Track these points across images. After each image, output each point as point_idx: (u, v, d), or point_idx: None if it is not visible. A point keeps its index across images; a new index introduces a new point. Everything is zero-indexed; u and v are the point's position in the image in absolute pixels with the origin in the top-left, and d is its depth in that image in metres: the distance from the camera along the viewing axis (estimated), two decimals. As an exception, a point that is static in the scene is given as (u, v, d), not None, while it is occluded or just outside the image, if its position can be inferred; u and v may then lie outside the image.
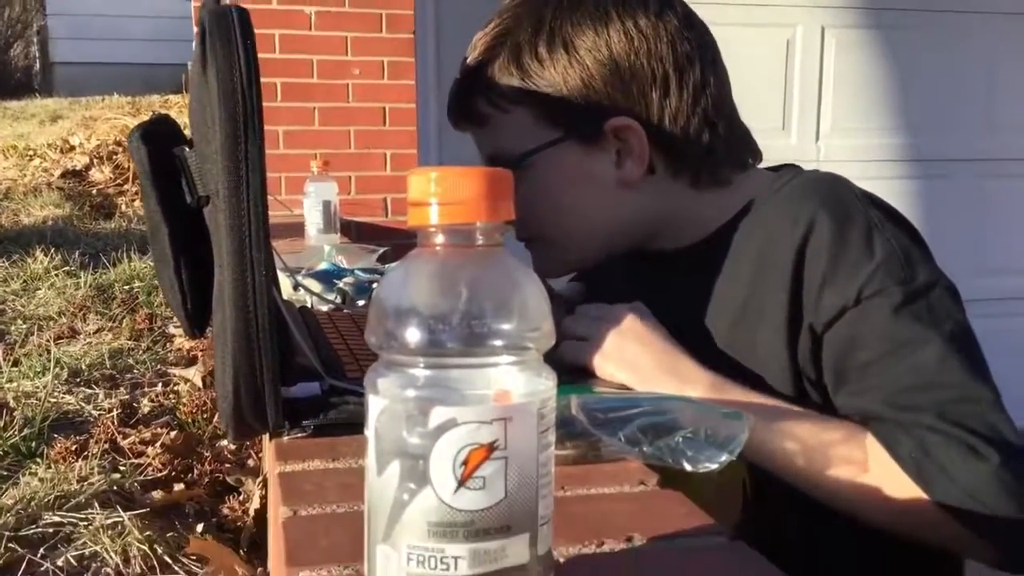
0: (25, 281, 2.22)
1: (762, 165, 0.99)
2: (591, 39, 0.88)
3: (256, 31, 0.66)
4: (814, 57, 3.67)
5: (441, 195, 0.44)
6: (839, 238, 0.82)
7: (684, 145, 0.91)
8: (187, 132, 0.78)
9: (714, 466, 0.60)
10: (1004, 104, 3.86)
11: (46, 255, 2.43)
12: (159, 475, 1.12)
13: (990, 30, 3.81)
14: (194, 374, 1.48)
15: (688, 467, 0.60)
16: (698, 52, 0.91)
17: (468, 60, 0.94)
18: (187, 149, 0.73)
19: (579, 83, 0.88)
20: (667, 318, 0.89)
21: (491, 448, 0.41)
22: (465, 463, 0.40)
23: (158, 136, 0.76)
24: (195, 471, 1.15)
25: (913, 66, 3.75)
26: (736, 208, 0.92)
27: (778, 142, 3.47)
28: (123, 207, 3.73)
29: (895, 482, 0.76)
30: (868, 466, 0.78)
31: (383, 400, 0.42)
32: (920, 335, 0.78)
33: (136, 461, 1.16)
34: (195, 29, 3.20)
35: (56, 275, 2.27)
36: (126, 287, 2.17)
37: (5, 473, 1.12)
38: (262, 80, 0.66)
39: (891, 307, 0.79)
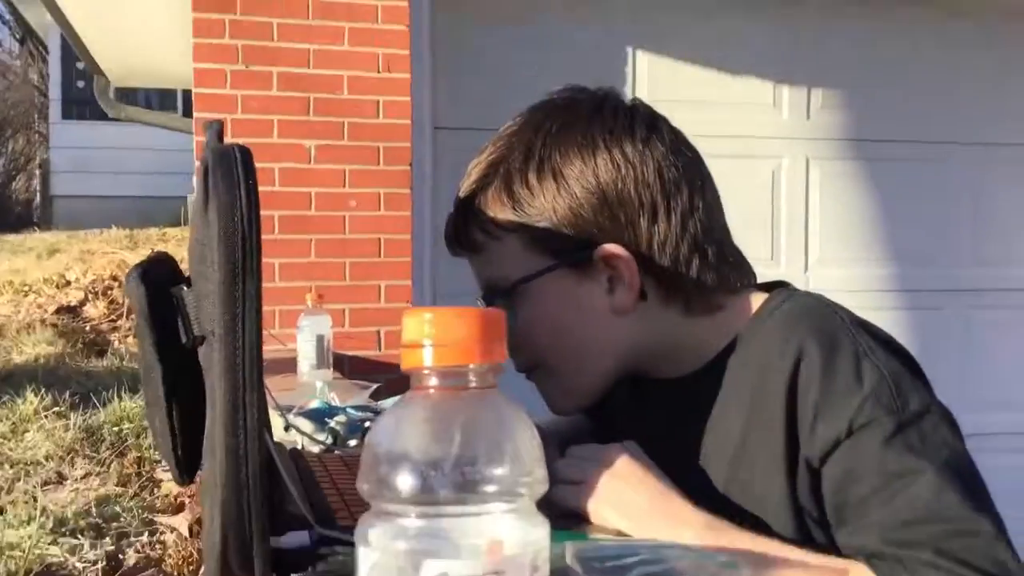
0: (14, 423, 2.20)
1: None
2: (579, 168, 0.90)
3: (256, 164, 0.67)
4: (799, 188, 3.76)
5: (435, 337, 0.44)
6: (828, 368, 0.81)
7: (674, 272, 0.91)
8: (185, 268, 0.79)
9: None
10: (990, 234, 3.94)
11: (36, 395, 2.41)
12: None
13: (972, 160, 3.92)
14: (181, 522, 1.45)
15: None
16: (686, 177, 0.92)
17: (463, 188, 0.96)
18: (184, 288, 0.73)
19: (568, 212, 0.90)
20: (666, 453, 0.88)
21: (485, 603, 0.40)
22: (458, 619, 0.39)
23: (156, 276, 0.76)
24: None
25: (898, 196, 3.84)
26: (730, 335, 0.92)
27: (768, 271, 3.46)
28: (116, 343, 3.74)
29: None
30: None
31: (374, 553, 0.41)
32: (913, 466, 0.77)
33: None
34: (196, 163, 3.28)
35: (46, 416, 2.25)
36: (116, 428, 2.15)
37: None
38: (261, 213, 0.66)
39: (882, 438, 0.78)
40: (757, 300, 0.94)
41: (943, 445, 0.79)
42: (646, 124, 0.93)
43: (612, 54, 3.54)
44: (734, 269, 0.95)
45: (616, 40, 3.56)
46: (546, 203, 0.90)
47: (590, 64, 3.39)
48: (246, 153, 0.68)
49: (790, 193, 3.75)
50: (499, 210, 0.92)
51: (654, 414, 0.97)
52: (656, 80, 3.59)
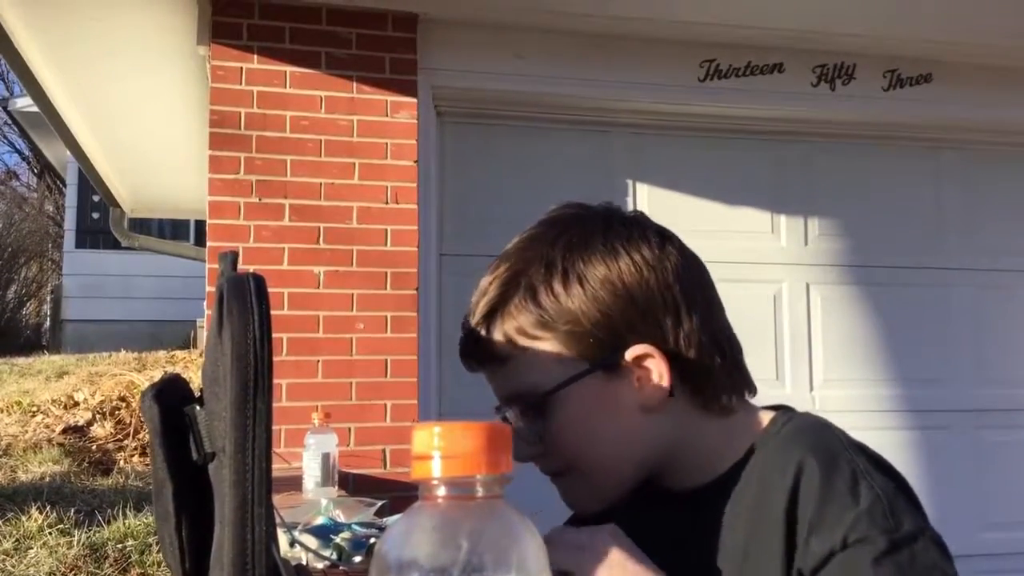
0: (18, 540, 2.17)
1: (757, 402, 1.01)
2: (603, 273, 0.92)
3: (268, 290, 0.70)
4: (801, 311, 3.81)
5: (444, 449, 0.46)
6: (826, 485, 0.82)
7: (698, 368, 0.93)
8: (195, 389, 0.81)
9: None
10: (992, 355, 3.95)
11: (41, 513, 2.39)
12: None
13: (971, 284, 3.98)
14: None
15: None
16: (700, 279, 0.97)
17: (481, 303, 0.96)
18: (197, 408, 0.75)
19: (598, 315, 0.91)
20: (674, 567, 0.88)
21: None
22: None
23: (170, 396, 0.78)
24: None
25: (899, 319, 3.88)
26: (740, 449, 0.93)
27: (773, 392, 3.52)
28: (122, 463, 3.71)
29: None
30: None
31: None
32: None
33: None
34: (207, 290, 3.35)
35: (50, 533, 2.22)
36: (119, 545, 2.12)
37: None
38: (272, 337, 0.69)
39: (873, 556, 0.78)
40: (765, 417, 0.96)
41: (933, 568, 0.79)
42: (657, 231, 0.97)
43: (612, 185, 3.65)
44: (742, 372, 0.98)
45: (616, 172, 3.68)
46: (574, 308, 0.91)
47: (590, 194, 3.49)
48: (260, 281, 0.71)
49: (792, 316, 3.79)
50: (525, 320, 0.93)
51: (662, 527, 0.97)
52: (655, 209, 3.69)
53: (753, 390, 1.00)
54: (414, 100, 3.31)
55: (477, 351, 0.97)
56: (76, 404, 4.74)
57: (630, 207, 3.69)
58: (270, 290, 0.71)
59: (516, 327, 0.94)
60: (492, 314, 0.95)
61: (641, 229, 0.96)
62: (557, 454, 0.94)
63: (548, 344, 0.93)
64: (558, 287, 0.92)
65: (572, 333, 0.92)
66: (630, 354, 0.92)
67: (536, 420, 0.93)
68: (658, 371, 0.92)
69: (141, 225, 7.47)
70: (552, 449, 0.94)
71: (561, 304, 0.92)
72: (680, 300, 0.93)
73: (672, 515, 0.97)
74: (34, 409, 4.74)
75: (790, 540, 0.83)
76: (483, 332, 0.96)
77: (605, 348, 0.92)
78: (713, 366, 0.94)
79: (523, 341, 0.94)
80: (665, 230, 0.99)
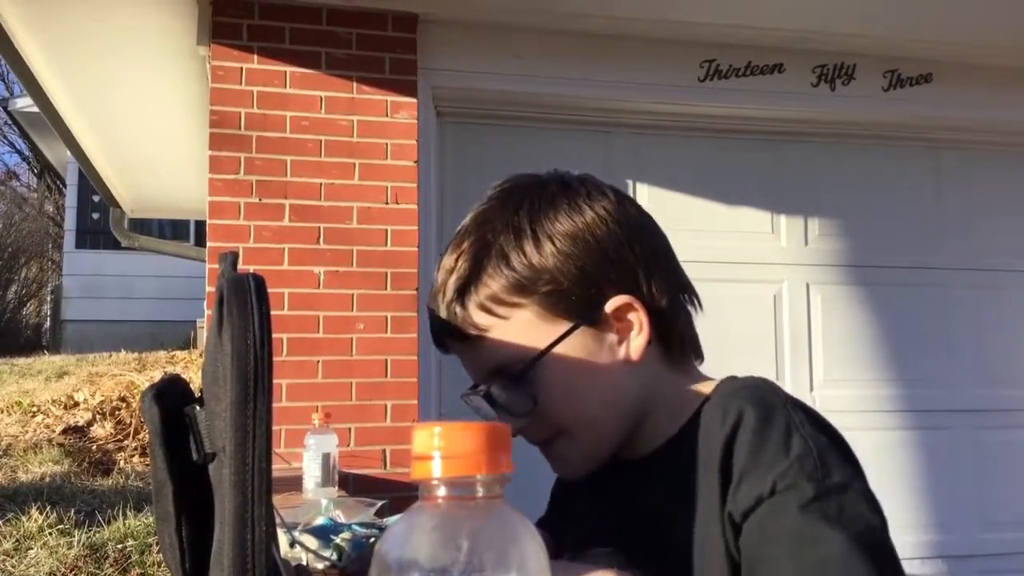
0: (18, 540, 2.18)
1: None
2: (571, 227, 0.92)
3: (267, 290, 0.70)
4: (801, 311, 3.81)
5: (444, 449, 0.46)
6: (759, 434, 0.83)
7: (669, 318, 0.94)
8: (195, 389, 0.81)
9: None
10: (992, 356, 3.96)
11: (41, 513, 2.39)
12: None
13: (971, 284, 3.98)
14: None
15: None
16: (658, 234, 0.99)
17: (451, 280, 0.95)
18: (197, 408, 0.75)
19: (575, 271, 0.91)
20: (633, 533, 0.90)
21: None
22: None
23: (170, 396, 0.78)
24: None
25: (899, 319, 3.88)
26: (690, 412, 0.93)
27: (774, 392, 3.51)
28: (122, 463, 3.71)
29: None
30: None
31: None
32: (825, 533, 0.77)
33: None
34: (207, 290, 3.34)
35: (50, 534, 2.22)
36: (119, 546, 2.12)
37: None
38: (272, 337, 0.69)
39: (800, 503, 0.79)
40: (712, 383, 0.96)
41: (859, 519, 0.79)
42: (610, 188, 0.99)
43: (613, 184, 3.65)
44: (695, 331, 0.99)
45: (616, 172, 3.68)
46: (550, 267, 0.91)
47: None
48: (260, 282, 0.71)
49: (792, 316, 3.79)
50: (500, 287, 0.92)
51: (613, 494, 0.98)
52: (655, 209, 3.67)
53: (700, 355, 1.01)
54: (414, 100, 3.31)
55: (453, 329, 0.95)
56: (76, 404, 4.74)
57: (630, 207, 3.71)
58: (270, 290, 0.71)
59: (491, 295, 0.92)
60: (465, 288, 0.94)
61: (596, 185, 0.98)
62: (546, 419, 0.93)
63: (527, 310, 0.92)
64: (530, 249, 0.91)
65: (551, 293, 0.91)
66: (610, 306, 0.92)
67: (525, 389, 0.92)
68: (639, 321, 0.92)
69: (141, 225, 7.47)
70: (542, 415, 0.93)
71: (535, 265, 0.91)
72: (647, 250, 0.94)
73: (624, 482, 0.97)
74: (34, 409, 4.74)
75: (724, 487, 0.83)
76: (457, 309, 0.94)
77: (585, 303, 0.92)
78: (679, 317, 0.95)
79: (500, 310, 0.92)
80: (615, 186, 1.00)
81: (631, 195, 1.01)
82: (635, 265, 0.93)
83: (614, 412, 0.96)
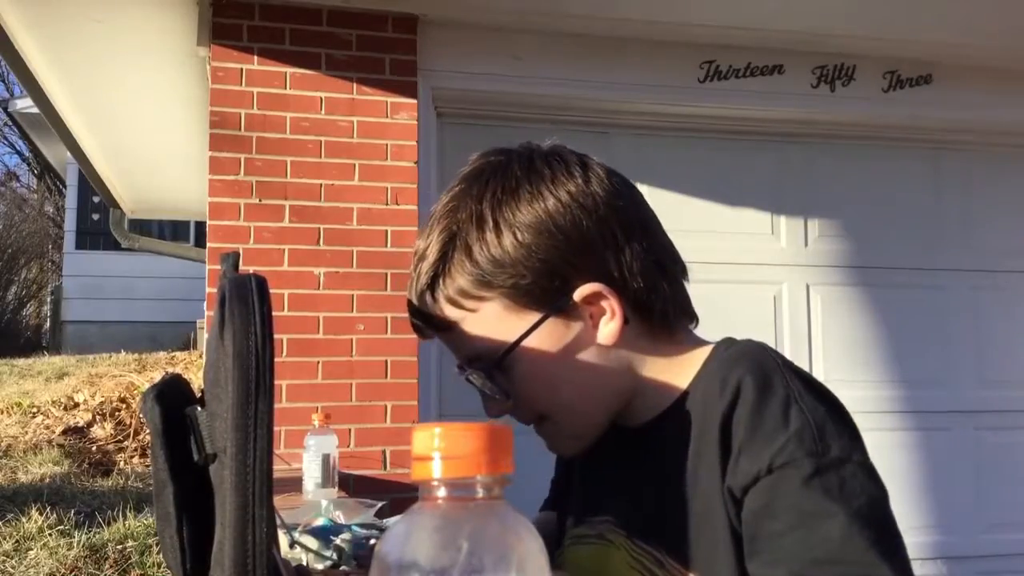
0: (18, 541, 2.18)
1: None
2: (533, 217, 0.90)
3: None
4: (801, 312, 3.81)
5: (444, 450, 0.46)
6: (759, 406, 0.83)
7: (646, 294, 0.93)
8: (196, 390, 0.81)
9: None
10: (992, 356, 3.96)
11: (41, 514, 2.39)
12: None
13: (971, 285, 3.98)
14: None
15: None
16: (632, 203, 0.95)
17: (423, 269, 0.95)
18: (198, 409, 0.75)
19: (538, 262, 0.90)
20: (633, 502, 0.90)
21: None
22: None
23: (171, 397, 0.78)
24: None
25: (899, 320, 3.88)
26: (687, 380, 0.93)
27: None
28: (122, 464, 3.71)
29: None
30: None
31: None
32: (826, 508, 0.78)
33: None
34: (207, 290, 3.35)
35: (50, 535, 2.22)
36: (119, 547, 2.12)
37: None
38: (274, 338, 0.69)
39: (800, 478, 0.79)
40: (708, 347, 0.96)
41: (860, 492, 0.80)
42: (580, 165, 0.95)
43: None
44: (686, 296, 0.98)
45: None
46: (512, 260, 0.90)
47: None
48: (262, 282, 0.71)
49: (792, 317, 3.79)
50: (466, 282, 0.92)
51: (613, 464, 0.98)
52: (656, 210, 3.69)
53: (694, 318, 1.00)
54: (414, 101, 3.31)
55: (426, 318, 0.96)
56: (76, 405, 4.74)
57: (630, 208, 3.72)
58: (270, 291, 0.71)
59: (458, 289, 0.92)
60: (435, 280, 0.94)
61: (564, 164, 0.95)
62: (527, 406, 0.94)
63: (494, 303, 0.92)
64: (492, 241, 0.90)
65: (516, 286, 0.90)
66: (578, 295, 0.91)
67: (500, 378, 0.93)
68: (609, 306, 0.92)
69: (141, 226, 7.48)
70: (521, 402, 0.94)
71: (497, 259, 0.90)
72: (616, 230, 0.92)
73: (623, 450, 0.98)
74: (34, 410, 4.74)
75: (724, 460, 0.84)
76: (429, 299, 0.95)
77: (552, 294, 0.91)
78: (660, 290, 0.93)
79: (468, 303, 0.92)
80: (587, 159, 0.97)
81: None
82: (603, 249, 0.92)
83: (593, 396, 0.96)
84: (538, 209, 0.91)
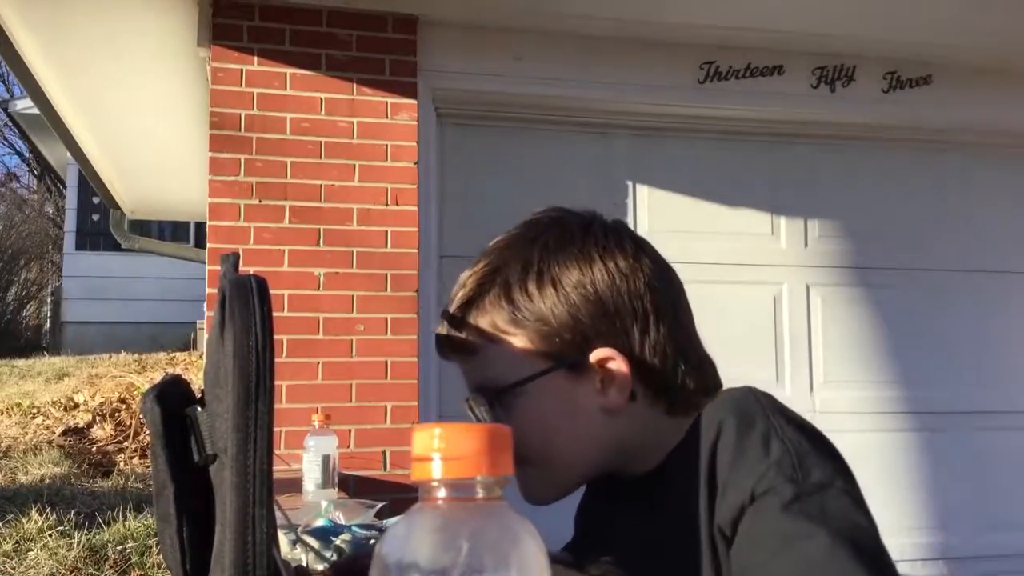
0: (17, 542, 2.18)
1: None
2: (576, 277, 0.95)
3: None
4: (801, 313, 3.81)
5: (444, 450, 0.46)
6: (739, 441, 0.84)
7: (662, 375, 0.95)
8: (196, 390, 0.81)
9: None
10: (991, 357, 3.96)
11: (41, 515, 2.39)
12: None
13: (974, 287, 3.98)
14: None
15: None
16: (669, 291, 0.99)
17: (458, 296, 0.99)
18: (199, 409, 0.75)
19: (567, 317, 0.94)
20: (635, 548, 0.91)
21: None
22: None
23: (170, 397, 0.78)
24: None
25: (900, 321, 3.88)
26: (683, 433, 0.95)
27: (773, 393, 3.52)
28: (122, 465, 3.71)
29: None
30: None
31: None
32: (807, 530, 0.77)
33: None
34: (207, 291, 3.35)
35: (50, 535, 2.22)
36: (119, 547, 2.12)
37: None
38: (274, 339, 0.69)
39: (780, 504, 0.79)
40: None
41: (842, 517, 0.79)
42: (634, 242, 0.99)
43: (612, 186, 3.66)
44: (708, 373, 1.00)
45: (616, 174, 3.68)
46: (545, 309, 0.94)
47: (591, 195, 3.50)
48: (262, 283, 0.72)
49: (792, 318, 3.79)
50: (497, 315, 0.96)
51: (608, 516, 1.01)
52: (655, 210, 3.69)
53: (718, 383, 1.01)
54: (414, 102, 3.31)
55: (450, 341, 1.00)
56: (76, 406, 4.74)
57: (630, 208, 3.72)
58: (270, 292, 0.71)
59: (489, 322, 0.96)
60: (467, 307, 0.98)
61: (618, 238, 0.99)
62: (516, 447, 0.95)
63: (517, 340, 0.95)
64: (532, 287, 0.95)
65: (540, 331, 0.94)
66: (594, 356, 0.94)
67: (499, 412, 0.95)
68: (620, 375, 0.94)
69: (141, 227, 7.47)
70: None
71: (533, 303, 0.94)
72: (649, 310, 0.95)
73: (619, 503, 1.00)
74: (34, 411, 4.74)
75: (711, 499, 0.84)
76: (458, 324, 0.99)
77: (570, 348, 0.94)
78: (677, 375, 0.96)
79: (494, 335, 0.96)
80: (641, 239, 1.01)
81: (649, 244, 1.01)
82: (631, 323, 0.95)
83: (583, 455, 0.98)
84: (583, 269, 0.95)
